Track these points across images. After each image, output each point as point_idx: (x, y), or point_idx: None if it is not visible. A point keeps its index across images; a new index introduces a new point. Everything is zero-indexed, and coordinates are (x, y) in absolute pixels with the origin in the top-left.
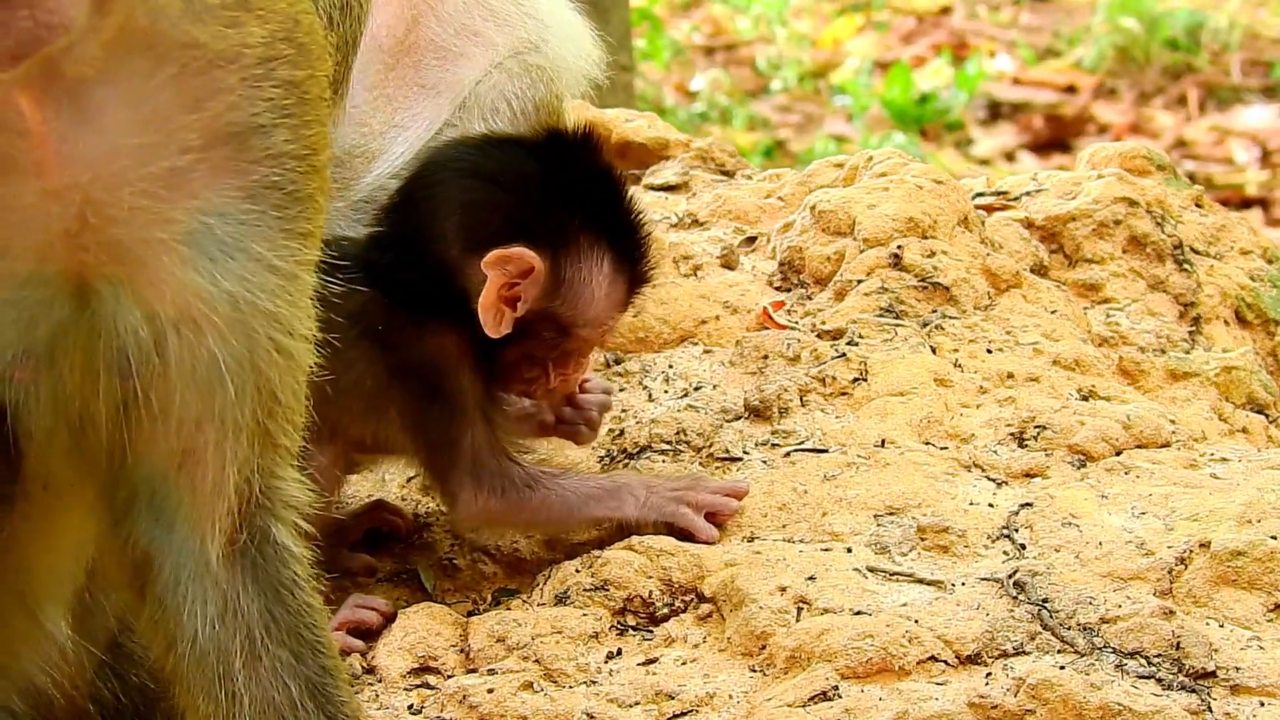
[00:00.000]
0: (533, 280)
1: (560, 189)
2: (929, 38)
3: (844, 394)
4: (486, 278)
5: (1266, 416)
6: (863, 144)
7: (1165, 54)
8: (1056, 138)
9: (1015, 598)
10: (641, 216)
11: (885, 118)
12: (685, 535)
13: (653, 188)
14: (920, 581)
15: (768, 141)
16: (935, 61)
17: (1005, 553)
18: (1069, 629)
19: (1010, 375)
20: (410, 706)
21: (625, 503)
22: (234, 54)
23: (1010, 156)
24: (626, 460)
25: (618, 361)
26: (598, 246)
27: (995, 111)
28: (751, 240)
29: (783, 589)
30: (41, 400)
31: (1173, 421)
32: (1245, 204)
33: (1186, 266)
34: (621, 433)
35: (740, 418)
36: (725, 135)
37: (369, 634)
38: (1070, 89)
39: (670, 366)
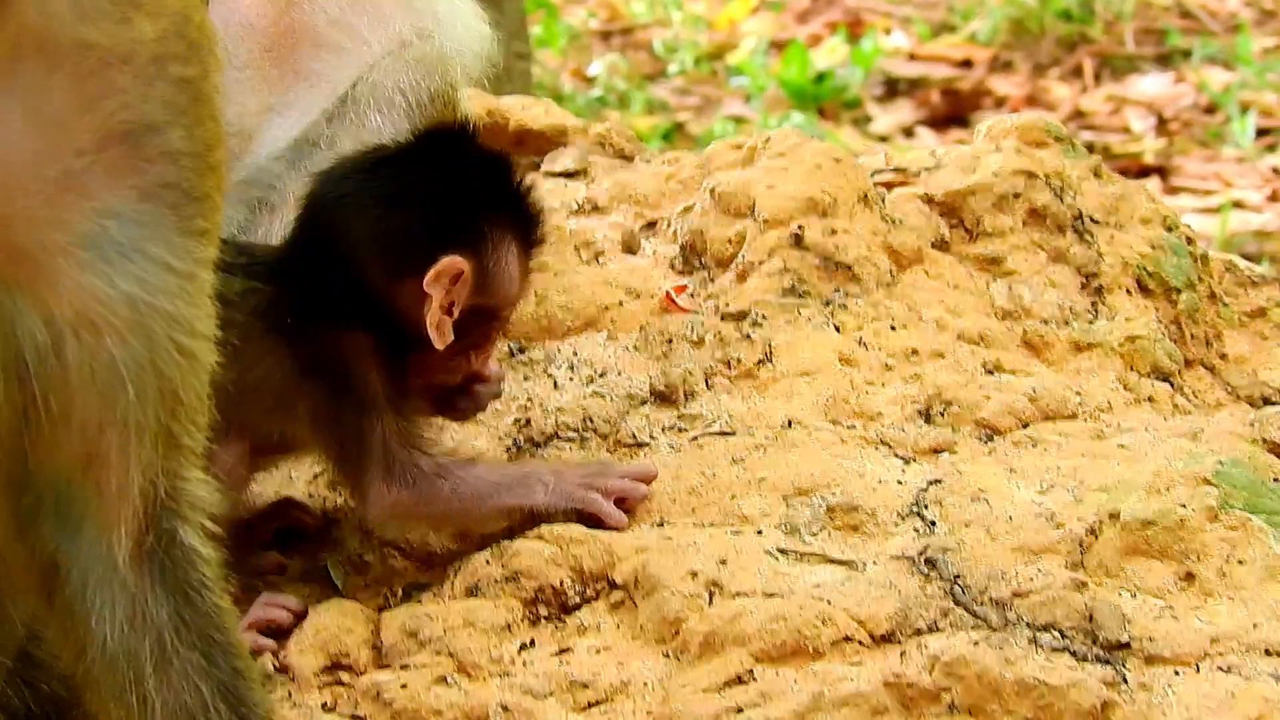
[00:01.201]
0: (462, 283)
1: (457, 189)
2: (824, 16)
3: (750, 376)
4: (427, 297)
5: (1171, 384)
6: (762, 124)
7: (1060, 25)
8: (954, 112)
9: (927, 575)
10: (529, 187)
11: (783, 97)
12: (595, 521)
13: (551, 174)
14: (832, 562)
15: (666, 125)
16: (831, 40)
17: (915, 530)
18: (982, 605)
19: (915, 352)
20: (324, 705)
21: (534, 490)
22: (126, 52)
23: (909, 132)
24: (533, 449)
25: (521, 350)
26: (505, 231)
27: (892, 88)
28: (652, 225)
29: (694, 574)
30: None
31: (1078, 393)
32: (1143, 172)
33: (1087, 237)
34: (528, 422)
35: (646, 403)
36: (624, 120)
37: (280, 633)
38: (966, 63)
39: (575, 354)
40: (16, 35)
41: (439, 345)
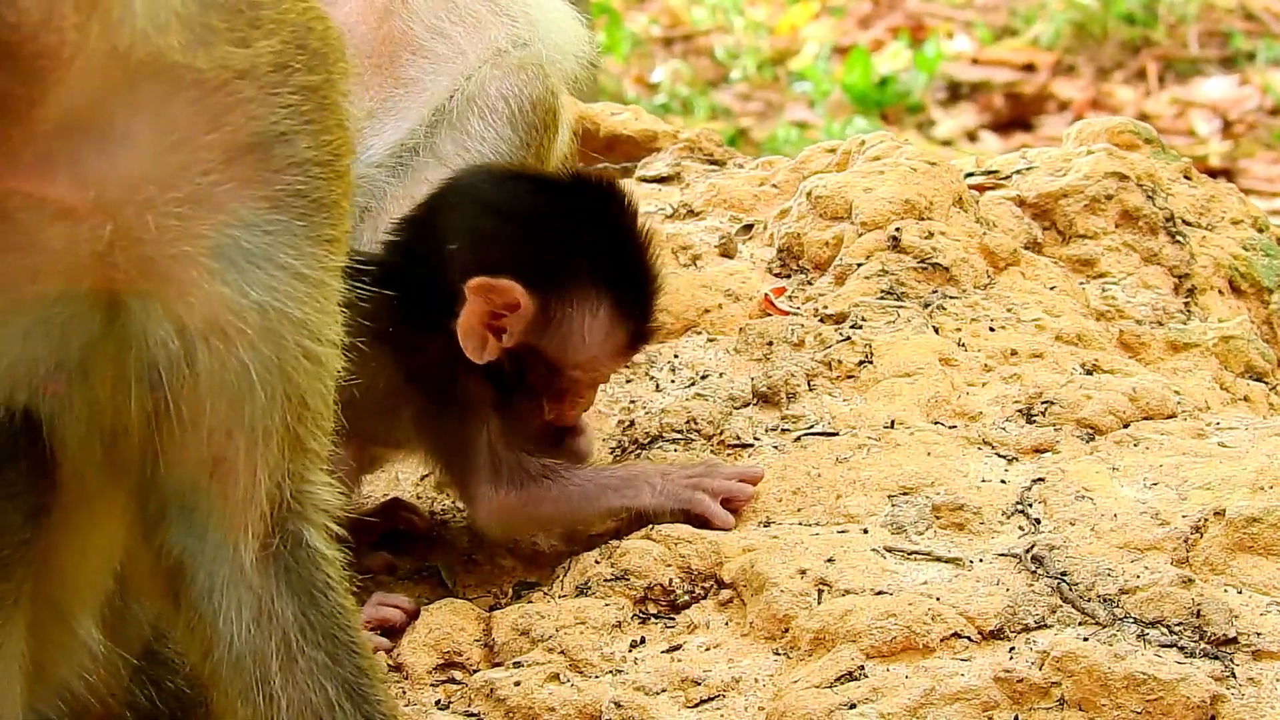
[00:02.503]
0: (519, 316)
1: (567, 232)
2: (885, 20)
3: (850, 377)
4: (465, 300)
5: (1266, 384)
6: (825, 130)
7: (1122, 28)
8: (1017, 116)
9: (1034, 572)
10: (656, 269)
11: (846, 102)
12: (702, 522)
13: (645, 180)
14: (938, 560)
15: (730, 130)
16: (893, 44)
17: (1021, 528)
18: (1089, 601)
19: (1014, 352)
20: (437, 702)
21: (641, 491)
22: (246, 68)
23: (972, 136)
24: (638, 451)
25: None
26: (596, 294)
27: (955, 92)
28: (748, 228)
29: (802, 572)
30: (74, 413)
31: (1177, 392)
32: (1210, 175)
33: (1179, 238)
34: (632, 424)
35: (749, 404)
36: (687, 125)
37: (393, 631)
38: (1029, 67)
39: (676, 356)
40: (129, 63)
41: (470, 355)
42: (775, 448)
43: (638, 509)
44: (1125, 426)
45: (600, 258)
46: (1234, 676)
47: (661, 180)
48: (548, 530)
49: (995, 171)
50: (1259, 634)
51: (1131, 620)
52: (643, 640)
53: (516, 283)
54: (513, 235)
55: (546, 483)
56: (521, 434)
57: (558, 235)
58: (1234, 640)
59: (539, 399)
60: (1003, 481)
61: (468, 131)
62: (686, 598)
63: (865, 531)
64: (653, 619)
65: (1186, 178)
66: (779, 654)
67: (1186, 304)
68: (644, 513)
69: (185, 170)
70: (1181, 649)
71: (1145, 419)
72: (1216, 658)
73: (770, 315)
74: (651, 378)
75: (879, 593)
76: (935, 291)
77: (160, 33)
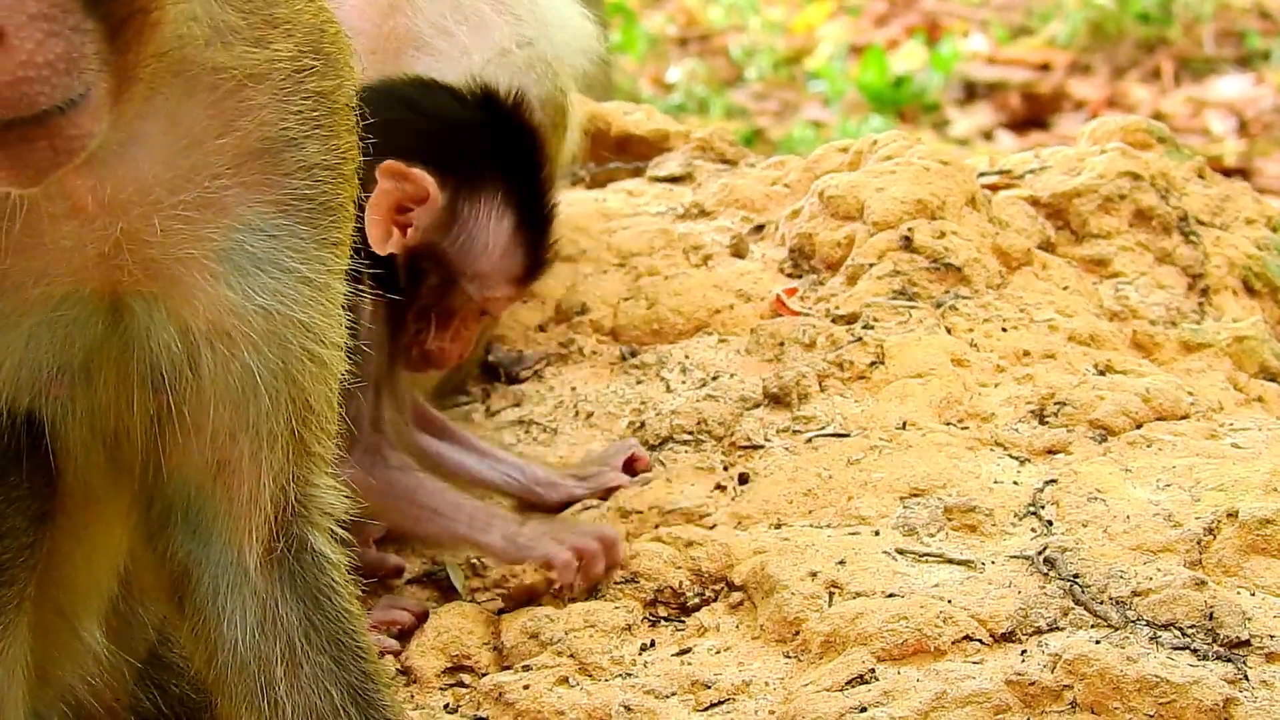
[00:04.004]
0: (427, 209)
1: (484, 137)
2: (901, 20)
3: (862, 378)
4: (375, 185)
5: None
6: (840, 129)
7: (1138, 27)
8: (1033, 115)
9: (1046, 574)
10: (552, 199)
11: (862, 101)
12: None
13: (658, 179)
14: (950, 562)
15: (746, 130)
16: (909, 44)
17: (1033, 530)
18: (1101, 603)
19: (1026, 353)
20: (446, 705)
21: (491, 530)
22: (263, 71)
23: (988, 136)
24: (650, 451)
25: (633, 354)
26: (503, 201)
27: (971, 91)
28: (760, 228)
29: (813, 574)
30: (77, 416)
31: (1190, 393)
32: (1225, 174)
33: (1193, 238)
34: (642, 425)
35: (760, 405)
36: (702, 125)
37: (402, 634)
38: (1044, 66)
39: (686, 357)
40: (156, 62)
41: (374, 245)
42: (786, 449)
43: (481, 545)
44: (1138, 427)
45: (513, 172)
46: (1247, 679)
47: (673, 180)
48: (380, 519)
49: (1008, 171)
50: (1272, 636)
51: (1144, 623)
52: (653, 643)
53: (430, 174)
54: (432, 130)
55: (399, 476)
56: (402, 355)
57: (477, 139)
58: (1247, 643)
59: (429, 317)
60: (1015, 483)
61: None
62: (697, 600)
63: (876, 533)
64: (663, 622)
65: (1200, 177)
66: (790, 657)
67: (1200, 304)
68: (485, 550)
69: (195, 173)
70: (1194, 651)
71: (1158, 420)
72: (1229, 660)
73: (782, 316)
74: (662, 379)
75: (890, 595)
76: (948, 292)
77: (189, 26)
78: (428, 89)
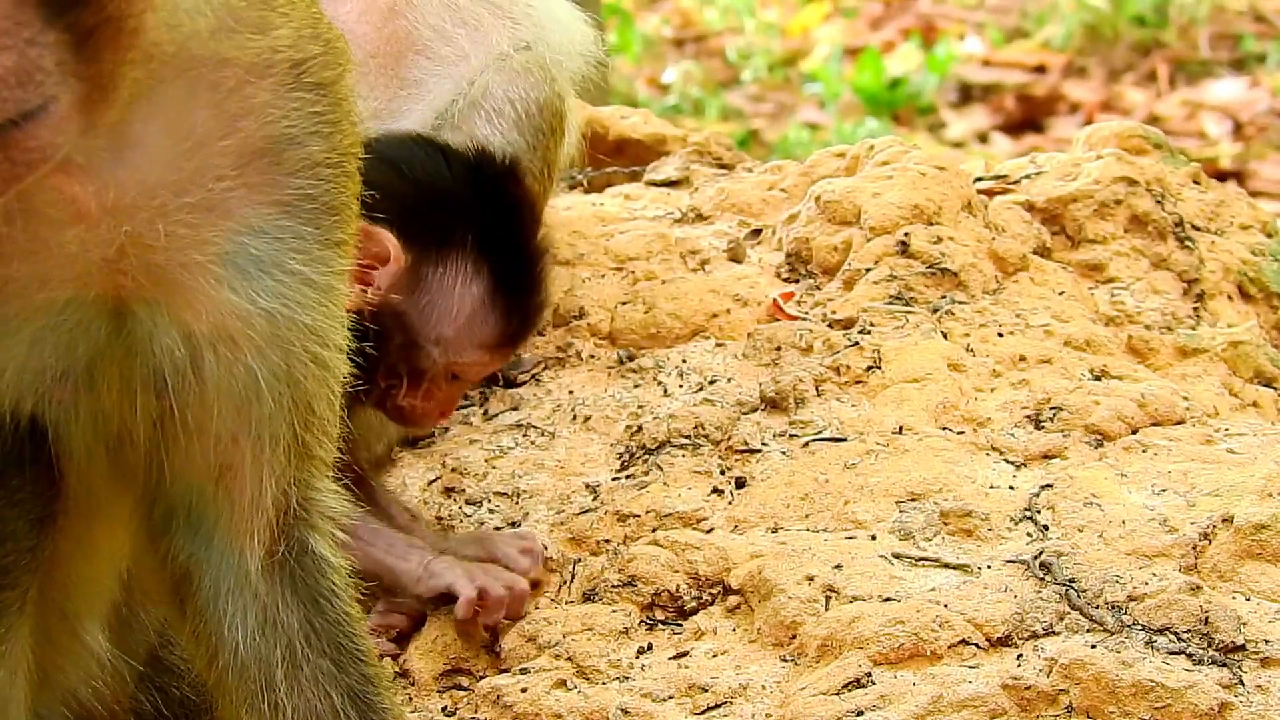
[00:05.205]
0: (387, 271)
1: (460, 203)
2: (896, 22)
3: (859, 382)
4: None
5: (1275, 389)
6: (836, 131)
7: (1133, 30)
8: (1028, 118)
9: (1042, 579)
10: (539, 266)
11: (857, 104)
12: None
13: (654, 183)
14: (946, 566)
15: (741, 132)
16: (904, 46)
17: (1029, 534)
18: (1097, 608)
19: (1022, 358)
20: (444, 709)
21: (409, 559)
22: (265, 62)
23: (983, 138)
24: (646, 456)
25: (631, 358)
26: (474, 268)
27: (966, 94)
28: (757, 233)
29: (810, 578)
30: (80, 420)
31: (1185, 398)
32: (1220, 177)
33: (1188, 243)
34: (639, 429)
35: (757, 409)
36: (698, 126)
37: (400, 637)
38: (1040, 69)
39: (684, 361)
40: (154, 59)
41: None
42: (783, 453)
43: (397, 571)
44: (1134, 432)
45: (493, 239)
46: (1242, 684)
47: (670, 184)
48: None
49: (1004, 176)
50: (1267, 641)
51: (1139, 627)
52: (650, 647)
53: (391, 234)
54: (407, 193)
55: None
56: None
57: (451, 206)
58: (1242, 648)
59: (399, 375)
60: (1011, 488)
61: (473, 134)
62: (694, 604)
63: (873, 538)
64: (660, 625)
65: (1196, 182)
66: (786, 661)
67: (1195, 309)
68: (401, 579)
69: (199, 176)
70: (1190, 656)
71: (1154, 425)
72: (1225, 665)
73: (778, 320)
74: (659, 383)
75: (887, 599)
76: (944, 297)
77: (191, 17)
78: (420, 151)
